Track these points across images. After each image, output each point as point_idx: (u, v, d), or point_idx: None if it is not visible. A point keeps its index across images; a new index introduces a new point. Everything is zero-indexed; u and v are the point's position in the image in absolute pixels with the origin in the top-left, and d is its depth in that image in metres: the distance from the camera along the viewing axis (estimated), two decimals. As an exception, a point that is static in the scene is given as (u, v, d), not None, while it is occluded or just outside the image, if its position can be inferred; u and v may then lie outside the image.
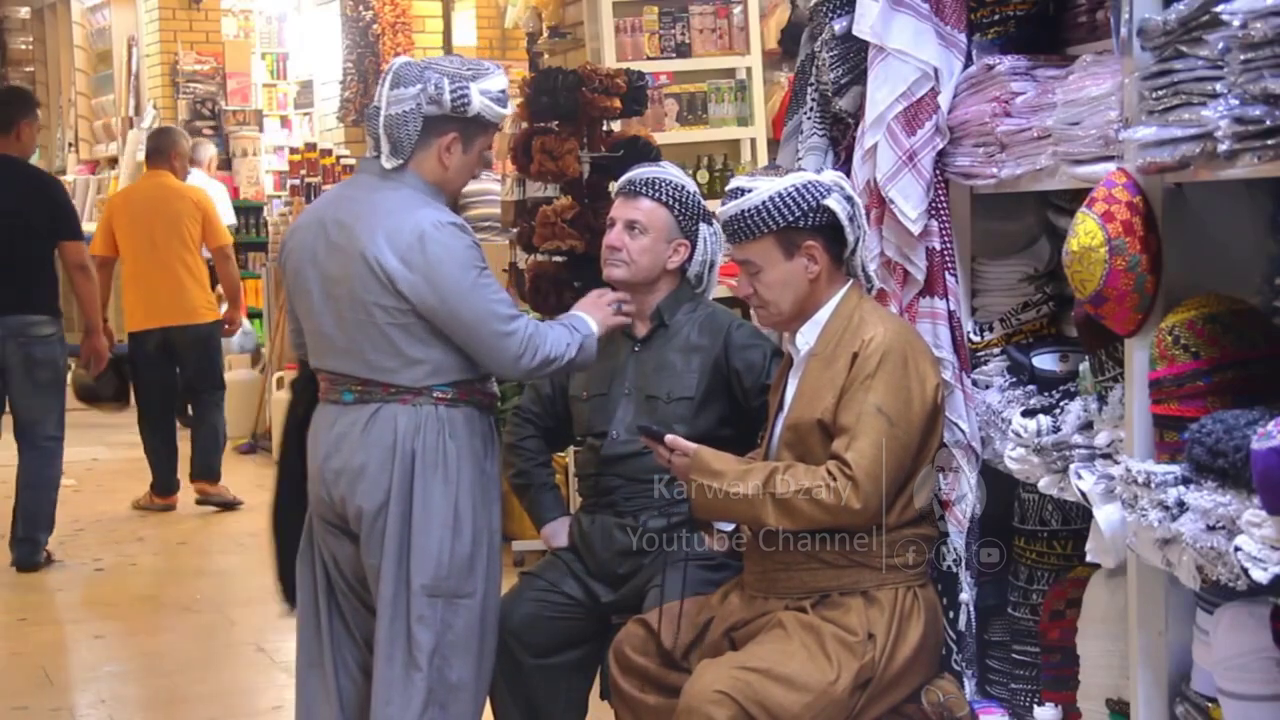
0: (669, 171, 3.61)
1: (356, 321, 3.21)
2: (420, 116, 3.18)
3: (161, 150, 7.69)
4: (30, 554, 6.54)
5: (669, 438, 3.13)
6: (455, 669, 3.26)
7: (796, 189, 3.05)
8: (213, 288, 7.92)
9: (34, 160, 7.14)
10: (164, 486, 7.68)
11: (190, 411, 7.80)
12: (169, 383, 7.63)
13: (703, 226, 3.60)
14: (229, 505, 7.65)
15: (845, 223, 3.07)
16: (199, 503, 7.67)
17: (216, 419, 7.70)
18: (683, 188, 3.57)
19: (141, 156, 12.63)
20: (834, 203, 3.05)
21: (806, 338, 3.13)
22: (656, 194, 3.54)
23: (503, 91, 3.25)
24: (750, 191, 3.07)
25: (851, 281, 3.15)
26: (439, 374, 3.22)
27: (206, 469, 7.68)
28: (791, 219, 3.05)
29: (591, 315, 3.40)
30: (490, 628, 3.35)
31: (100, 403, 7.66)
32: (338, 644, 3.38)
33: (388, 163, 3.23)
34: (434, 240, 3.15)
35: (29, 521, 6.56)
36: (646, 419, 3.48)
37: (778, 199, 3.05)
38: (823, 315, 3.12)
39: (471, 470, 3.27)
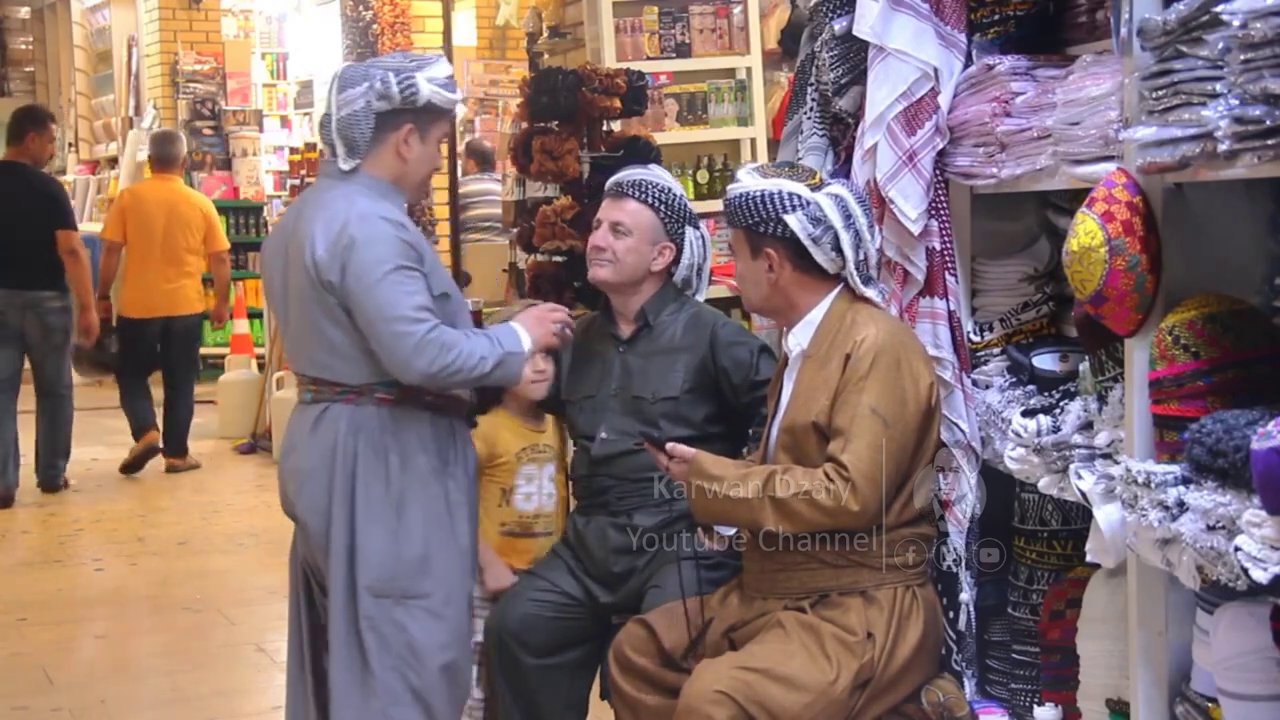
0: (656, 174, 3.62)
1: (301, 320, 3.26)
2: (371, 114, 3.21)
3: (175, 157, 8.73)
4: (53, 477, 8.05)
5: (669, 445, 3.13)
6: (417, 672, 3.24)
7: (763, 196, 3.06)
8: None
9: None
10: (141, 430, 8.56)
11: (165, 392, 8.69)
12: (154, 361, 8.64)
13: (689, 230, 3.60)
14: (193, 468, 8.67)
15: (807, 243, 3.04)
16: (168, 471, 8.56)
17: (189, 399, 8.70)
18: (669, 191, 3.58)
19: (142, 156, 12.71)
20: (794, 221, 3.04)
21: (799, 338, 3.13)
22: (643, 196, 3.56)
23: (449, 78, 3.27)
24: (737, 183, 3.12)
25: (844, 283, 3.13)
26: (379, 371, 3.21)
27: (179, 446, 8.65)
28: (751, 223, 3.08)
29: (530, 332, 3.33)
30: (460, 631, 3.32)
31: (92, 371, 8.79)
32: (316, 644, 3.38)
33: (344, 164, 3.25)
34: (357, 230, 3.15)
35: (50, 450, 8.06)
36: (635, 419, 3.49)
37: (743, 200, 3.08)
38: (815, 316, 3.11)
39: (423, 472, 3.25)
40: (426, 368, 3.13)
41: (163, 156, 8.67)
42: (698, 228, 3.63)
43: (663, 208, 3.56)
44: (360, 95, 3.20)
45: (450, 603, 3.29)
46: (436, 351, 3.12)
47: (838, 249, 3.06)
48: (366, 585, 3.21)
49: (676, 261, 3.61)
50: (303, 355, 3.30)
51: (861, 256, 3.08)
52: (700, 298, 3.70)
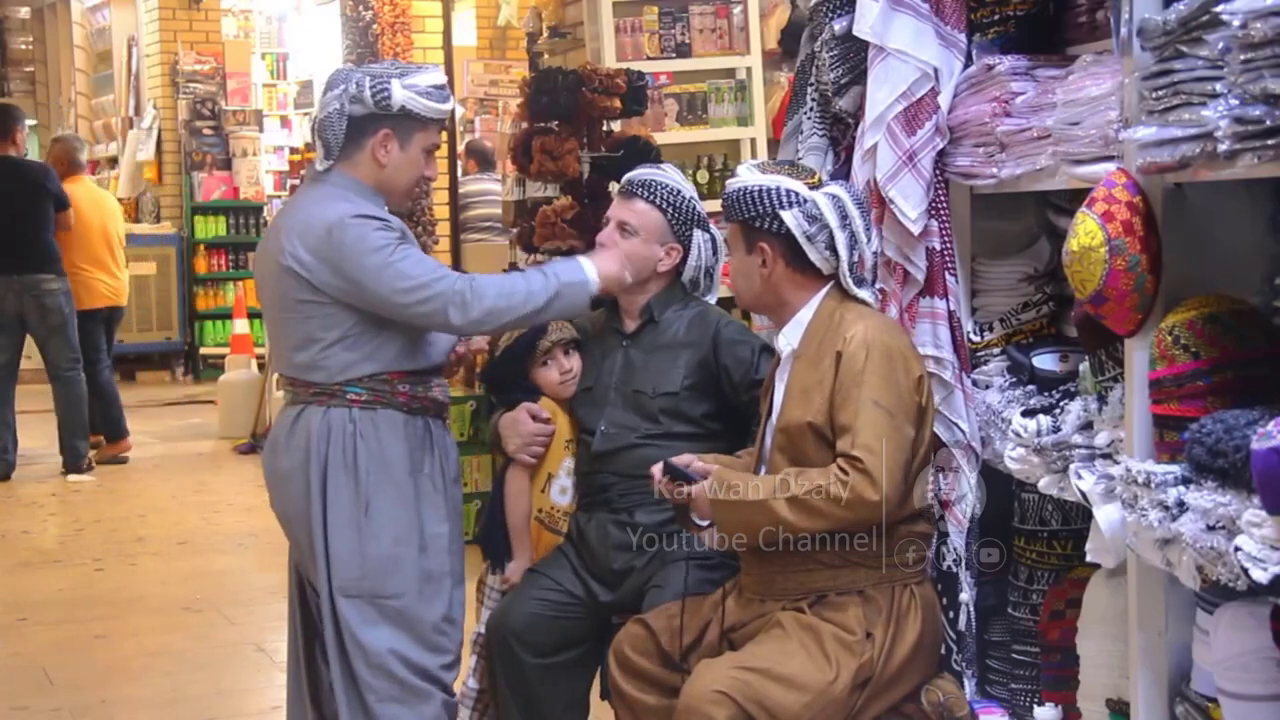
0: (668, 175, 3.63)
1: (278, 319, 3.30)
2: (344, 117, 3.23)
3: (84, 161, 9.54)
4: (75, 459, 8.51)
5: (682, 458, 3.13)
6: (402, 670, 3.26)
7: (760, 191, 3.07)
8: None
9: (33, 156, 9.20)
10: (117, 434, 8.98)
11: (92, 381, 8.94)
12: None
13: (697, 233, 3.60)
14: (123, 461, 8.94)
15: (802, 240, 3.05)
16: (101, 462, 8.77)
17: (111, 381, 9.03)
18: (678, 192, 3.58)
19: (142, 156, 12.75)
20: (789, 217, 3.04)
21: (789, 338, 3.13)
22: (651, 196, 3.57)
23: (435, 87, 3.27)
24: (736, 178, 3.13)
25: (835, 282, 3.13)
26: (349, 369, 3.23)
27: (118, 430, 8.96)
28: (747, 217, 3.09)
29: (597, 264, 3.34)
30: (435, 630, 3.31)
31: None
32: (310, 644, 3.40)
33: (320, 165, 3.29)
34: (341, 233, 3.17)
35: (69, 433, 8.55)
36: (635, 413, 3.50)
37: (741, 194, 3.09)
38: (805, 315, 3.11)
39: (394, 473, 3.26)
40: (466, 317, 3.17)
41: (76, 161, 9.23)
42: (708, 230, 3.63)
43: (670, 209, 3.57)
44: (336, 98, 3.23)
45: (424, 599, 3.29)
46: (472, 297, 3.16)
47: (832, 248, 3.06)
48: (338, 586, 3.24)
49: (684, 262, 3.62)
50: (280, 356, 3.35)
51: (855, 258, 3.08)
52: (711, 299, 3.70)
